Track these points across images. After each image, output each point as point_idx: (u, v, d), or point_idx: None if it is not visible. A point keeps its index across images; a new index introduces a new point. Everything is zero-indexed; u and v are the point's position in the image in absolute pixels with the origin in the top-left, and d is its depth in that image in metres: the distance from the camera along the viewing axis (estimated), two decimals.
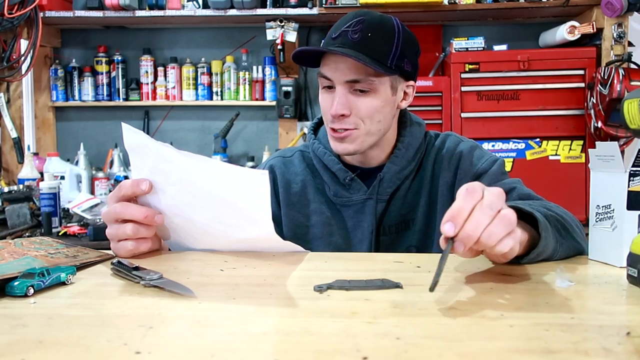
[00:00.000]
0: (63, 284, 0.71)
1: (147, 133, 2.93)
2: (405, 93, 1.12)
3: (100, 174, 2.78)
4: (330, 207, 1.14)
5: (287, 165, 1.20)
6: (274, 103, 2.78)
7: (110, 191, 2.77)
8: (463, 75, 2.42)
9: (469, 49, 2.46)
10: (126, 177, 2.79)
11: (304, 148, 1.23)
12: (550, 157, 2.42)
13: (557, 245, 0.83)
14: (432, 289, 0.63)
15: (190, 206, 0.85)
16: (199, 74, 2.87)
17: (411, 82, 1.12)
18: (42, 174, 2.52)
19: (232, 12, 2.57)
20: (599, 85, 2.29)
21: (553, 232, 0.83)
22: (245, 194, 0.81)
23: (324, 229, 1.14)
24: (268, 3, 2.58)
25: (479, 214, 0.65)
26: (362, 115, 1.06)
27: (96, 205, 2.48)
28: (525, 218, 0.83)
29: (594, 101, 2.31)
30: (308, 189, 1.16)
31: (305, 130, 2.77)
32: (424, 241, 1.12)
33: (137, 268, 0.73)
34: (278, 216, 1.16)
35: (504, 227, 0.66)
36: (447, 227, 0.65)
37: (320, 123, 1.24)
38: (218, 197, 0.83)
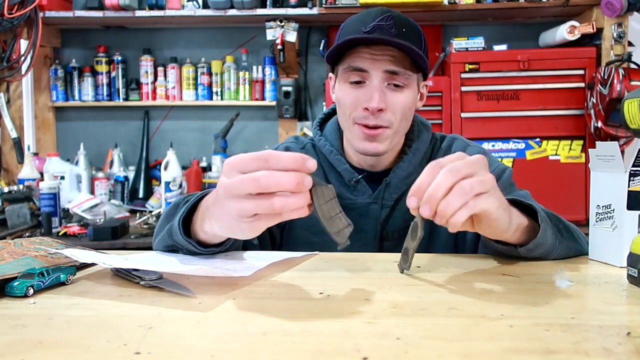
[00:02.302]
0: (63, 284, 0.71)
1: (147, 133, 2.93)
2: (421, 93, 1.12)
3: (100, 174, 2.78)
4: None
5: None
6: (274, 103, 2.78)
7: (110, 192, 2.78)
8: (463, 75, 2.42)
9: (469, 49, 2.46)
10: (126, 177, 2.79)
11: (312, 140, 1.19)
12: (550, 157, 2.42)
13: (556, 241, 0.84)
14: (407, 268, 0.73)
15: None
16: (199, 74, 2.87)
17: (427, 82, 1.13)
18: (42, 174, 2.52)
19: (232, 12, 2.57)
20: (599, 85, 2.29)
21: (553, 229, 0.83)
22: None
23: None
24: (268, 3, 2.58)
25: (441, 177, 0.67)
26: (396, 111, 1.03)
27: (96, 205, 2.48)
28: (528, 214, 0.84)
29: (594, 101, 2.31)
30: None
31: (306, 130, 2.77)
32: (427, 248, 1.10)
33: (136, 269, 0.73)
34: None
35: (459, 197, 0.66)
36: (410, 201, 0.69)
37: (326, 119, 1.21)
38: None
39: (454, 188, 0.67)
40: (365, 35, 1.00)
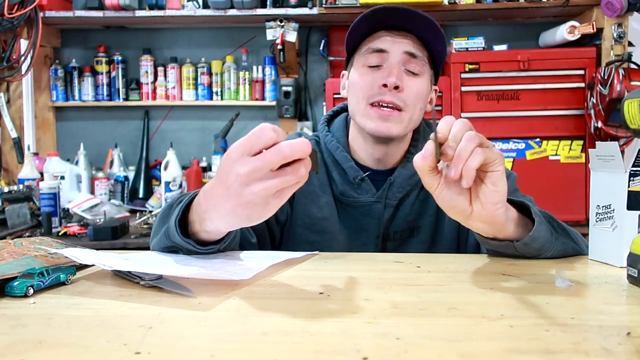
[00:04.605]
0: (63, 284, 0.71)
1: (147, 133, 2.92)
2: (430, 98, 1.12)
3: (100, 174, 2.78)
4: (337, 204, 1.11)
5: None
6: (274, 103, 2.78)
7: (110, 192, 2.78)
8: (463, 75, 2.42)
9: (469, 49, 2.46)
10: (126, 177, 2.79)
11: (316, 137, 1.19)
12: (550, 157, 2.42)
13: (552, 237, 0.84)
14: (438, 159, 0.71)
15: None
16: (199, 74, 2.87)
17: (436, 87, 1.14)
18: (42, 174, 2.52)
19: (232, 12, 2.57)
20: (599, 85, 2.29)
21: (547, 225, 0.84)
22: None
23: (334, 224, 1.10)
24: (268, 3, 2.58)
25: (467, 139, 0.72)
26: (411, 94, 1.04)
27: (96, 205, 2.48)
28: (525, 214, 0.84)
29: (594, 101, 2.31)
30: (320, 180, 1.12)
31: (306, 130, 2.77)
32: (430, 250, 1.10)
33: None
34: (290, 202, 1.12)
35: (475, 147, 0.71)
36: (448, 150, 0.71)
37: (334, 116, 1.21)
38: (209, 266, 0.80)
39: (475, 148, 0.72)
40: (389, 5, 1.02)
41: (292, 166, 0.64)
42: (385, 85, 1.02)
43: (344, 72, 1.15)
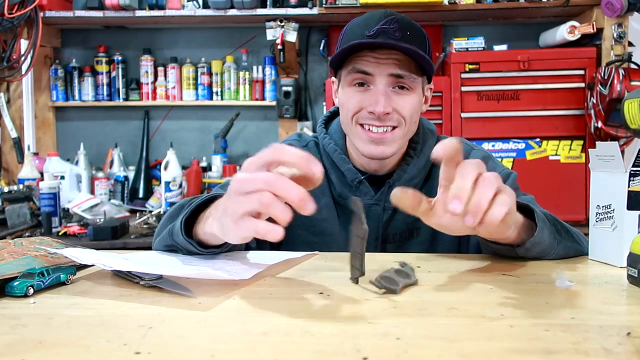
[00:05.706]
0: (63, 284, 0.71)
1: (147, 133, 2.92)
2: (425, 97, 1.11)
3: (100, 174, 2.78)
4: (336, 206, 1.12)
5: None
6: (274, 103, 2.78)
7: (110, 191, 2.78)
8: (463, 75, 2.42)
9: (469, 49, 2.46)
10: (126, 177, 2.79)
11: (315, 139, 1.18)
12: (550, 157, 2.42)
13: (554, 241, 0.84)
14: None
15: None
16: (199, 74, 2.86)
17: (431, 85, 1.12)
18: (42, 174, 2.52)
19: (232, 12, 2.57)
20: (599, 85, 2.29)
21: (550, 229, 0.84)
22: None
23: (334, 226, 1.10)
24: (268, 3, 2.58)
25: (482, 187, 0.65)
26: (404, 113, 1.02)
27: (96, 205, 2.48)
28: (526, 215, 0.84)
29: (594, 101, 2.31)
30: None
31: (306, 130, 2.77)
32: (430, 251, 1.09)
33: None
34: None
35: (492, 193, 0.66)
36: (454, 205, 0.65)
37: (332, 117, 1.20)
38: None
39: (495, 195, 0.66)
40: (369, 40, 0.99)
41: (262, 193, 0.63)
42: (373, 113, 1.01)
43: (333, 78, 1.13)
